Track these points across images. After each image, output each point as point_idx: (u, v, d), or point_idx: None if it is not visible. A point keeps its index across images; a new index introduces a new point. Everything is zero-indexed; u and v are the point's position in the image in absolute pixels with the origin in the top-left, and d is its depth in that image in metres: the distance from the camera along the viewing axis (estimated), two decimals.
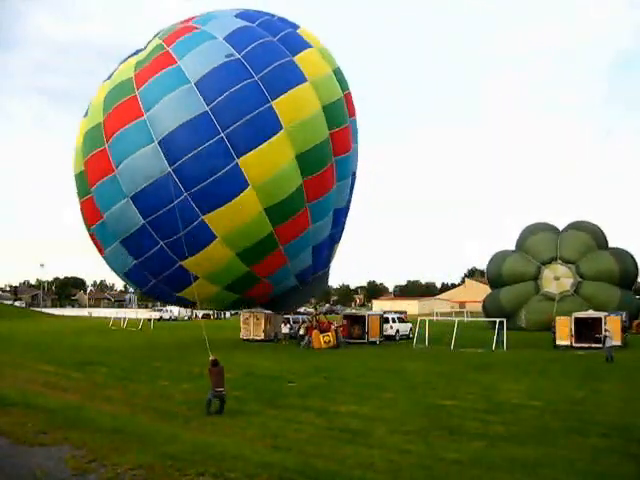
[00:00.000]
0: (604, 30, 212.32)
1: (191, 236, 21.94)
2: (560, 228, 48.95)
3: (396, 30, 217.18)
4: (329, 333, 29.75)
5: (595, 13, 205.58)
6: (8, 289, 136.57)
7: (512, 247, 49.81)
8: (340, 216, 27.32)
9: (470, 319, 44.90)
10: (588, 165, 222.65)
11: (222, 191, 21.64)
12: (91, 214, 24.51)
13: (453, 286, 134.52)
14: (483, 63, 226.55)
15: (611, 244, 46.73)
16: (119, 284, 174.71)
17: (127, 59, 25.46)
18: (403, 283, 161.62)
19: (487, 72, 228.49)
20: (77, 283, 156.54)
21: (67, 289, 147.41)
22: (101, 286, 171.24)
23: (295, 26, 25.52)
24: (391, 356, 25.93)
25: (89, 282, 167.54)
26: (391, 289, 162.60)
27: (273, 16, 25.74)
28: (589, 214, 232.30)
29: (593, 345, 28.19)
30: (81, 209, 25.32)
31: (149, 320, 52.55)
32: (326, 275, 29.52)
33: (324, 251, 27.28)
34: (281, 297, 27.53)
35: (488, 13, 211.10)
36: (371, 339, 31.97)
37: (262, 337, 33.21)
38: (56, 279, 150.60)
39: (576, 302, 42.17)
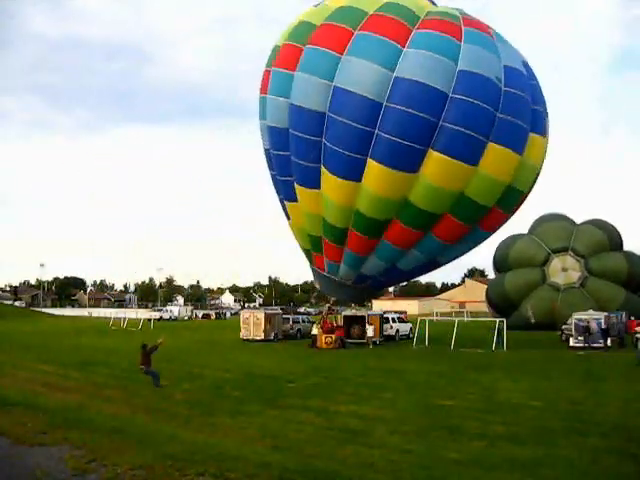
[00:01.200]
0: (599, 27, 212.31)
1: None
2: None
3: None
4: (331, 335, 29.85)
5: (591, 10, 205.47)
6: (8, 289, 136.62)
7: None
8: (428, 268, 27.94)
9: (470, 319, 44.85)
10: (590, 165, 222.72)
11: (400, 157, 22.37)
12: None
13: (453, 286, 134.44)
14: None
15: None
16: (119, 284, 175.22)
17: None
18: (403, 283, 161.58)
19: None
20: (77, 283, 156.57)
21: (67, 289, 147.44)
22: (101, 286, 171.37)
23: (538, 129, 24.66)
24: (391, 356, 25.93)
25: (89, 282, 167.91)
26: (391, 289, 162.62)
27: (537, 103, 24.93)
28: (590, 215, 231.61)
29: (593, 345, 28.23)
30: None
31: (149, 320, 52.59)
32: (364, 296, 30.81)
33: (394, 277, 28.16)
34: (329, 279, 27.95)
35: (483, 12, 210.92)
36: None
37: (262, 337, 33.22)
38: (56, 279, 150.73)
39: (580, 296, 42.20)
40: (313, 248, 27.39)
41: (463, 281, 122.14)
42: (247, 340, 33.41)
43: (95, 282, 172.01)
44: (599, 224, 46.85)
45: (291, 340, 34.56)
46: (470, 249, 27.37)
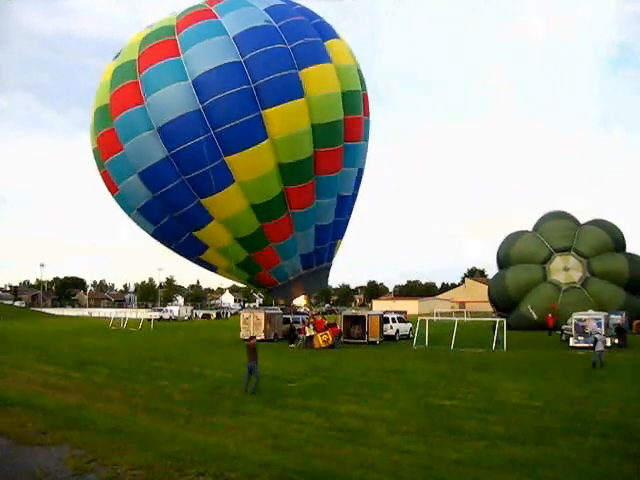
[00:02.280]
0: (597, 23, 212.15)
1: (211, 175, 23.32)
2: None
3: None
4: (327, 332, 29.91)
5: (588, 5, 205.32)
6: (8, 289, 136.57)
7: None
8: (344, 206, 27.93)
9: (470, 319, 44.85)
10: (593, 163, 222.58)
11: (244, 136, 23.01)
12: (109, 147, 24.84)
13: (453, 286, 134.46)
14: (481, 55, 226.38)
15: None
16: (119, 284, 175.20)
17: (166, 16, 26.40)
18: (403, 283, 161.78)
19: (485, 67, 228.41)
20: (77, 283, 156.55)
21: (67, 289, 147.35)
22: (101, 286, 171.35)
23: (328, 35, 26.18)
24: (391, 356, 25.92)
25: (89, 282, 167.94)
26: (391, 289, 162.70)
27: (312, 18, 26.22)
28: (592, 213, 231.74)
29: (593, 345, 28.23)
30: (98, 143, 25.60)
31: (149, 320, 52.58)
32: (327, 271, 30.00)
33: (327, 239, 27.99)
34: (285, 285, 28.38)
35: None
36: (371, 339, 31.99)
37: (262, 337, 33.19)
38: (56, 279, 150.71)
39: (581, 296, 42.22)
40: (250, 272, 27.66)
41: (463, 281, 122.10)
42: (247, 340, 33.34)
43: (95, 282, 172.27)
44: (603, 225, 46.84)
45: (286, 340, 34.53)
46: (361, 166, 27.97)
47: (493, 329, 30.05)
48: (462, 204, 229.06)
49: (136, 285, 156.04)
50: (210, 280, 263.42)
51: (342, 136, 25.21)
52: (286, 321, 36.00)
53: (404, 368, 21.05)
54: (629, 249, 46.98)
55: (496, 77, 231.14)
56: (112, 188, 26.25)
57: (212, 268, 28.58)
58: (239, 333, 34.45)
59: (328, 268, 29.85)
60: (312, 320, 31.55)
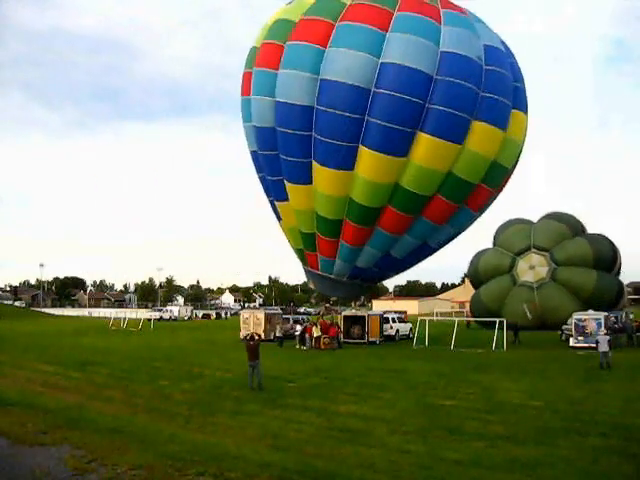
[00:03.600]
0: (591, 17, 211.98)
1: (340, 152, 23.08)
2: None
3: None
4: (327, 335, 29.99)
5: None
6: (8, 289, 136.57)
7: None
8: (420, 253, 27.82)
9: (470, 319, 44.88)
10: (588, 160, 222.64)
11: (389, 140, 22.63)
12: (246, 87, 25.25)
13: (453, 286, 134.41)
14: None
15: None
16: (119, 284, 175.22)
17: None
18: (403, 283, 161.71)
19: None
20: (77, 283, 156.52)
21: (67, 289, 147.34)
22: (101, 286, 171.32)
23: (519, 105, 25.36)
24: (391, 356, 25.92)
25: (89, 282, 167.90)
26: (391, 289, 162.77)
27: (517, 80, 25.50)
28: (593, 212, 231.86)
29: (593, 345, 28.22)
30: (242, 76, 25.91)
31: (149, 320, 52.58)
32: (362, 290, 30.62)
33: (384, 268, 28.01)
34: (322, 277, 28.04)
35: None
36: (371, 339, 31.99)
37: (262, 337, 33.18)
38: (56, 279, 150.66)
39: (554, 288, 42.88)
40: (306, 246, 27.35)
41: (463, 281, 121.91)
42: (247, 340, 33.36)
43: (95, 282, 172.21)
44: (554, 216, 47.29)
45: (291, 340, 34.53)
46: (460, 231, 27.67)
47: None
48: None
49: (136, 285, 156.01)
50: (210, 280, 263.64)
51: (464, 199, 24.89)
52: (286, 321, 36.02)
53: (404, 368, 21.05)
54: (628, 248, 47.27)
55: None
56: (245, 90, 25.90)
57: (278, 217, 28.20)
58: (239, 333, 34.46)
59: (366, 288, 29.89)
60: (320, 320, 31.77)
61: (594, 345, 23.62)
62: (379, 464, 8.95)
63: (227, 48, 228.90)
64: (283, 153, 24.34)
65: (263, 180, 27.17)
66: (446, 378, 18.48)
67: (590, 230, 46.52)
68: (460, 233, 27.89)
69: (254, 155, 26.63)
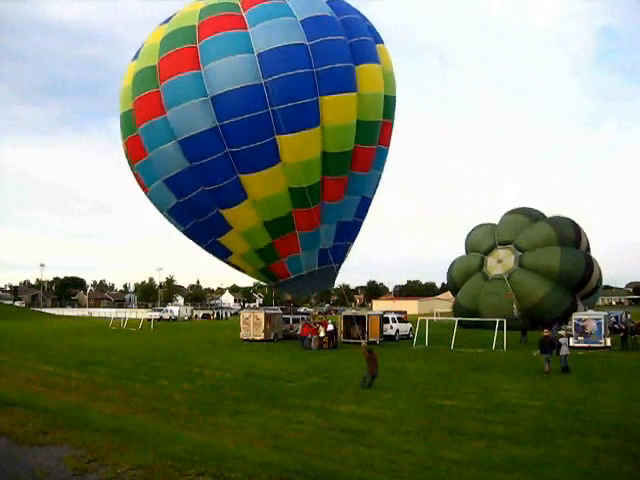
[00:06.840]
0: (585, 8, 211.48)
1: (227, 190, 23.93)
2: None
3: None
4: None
5: None
6: (8, 289, 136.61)
7: None
8: (364, 207, 28.07)
9: (470, 319, 44.84)
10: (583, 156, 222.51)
11: (258, 159, 23.38)
12: (136, 152, 25.24)
13: None
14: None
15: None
16: (119, 284, 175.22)
17: (190, 4, 25.90)
18: (403, 283, 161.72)
19: (480, 64, 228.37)
20: (77, 283, 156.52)
21: (67, 289, 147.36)
22: (101, 286, 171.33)
23: (378, 39, 26.39)
24: (391, 356, 25.92)
25: (89, 282, 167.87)
26: (391, 289, 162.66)
27: (365, 20, 26.34)
28: (591, 213, 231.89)
29: (593, 345, 28.29)
30: (125, 146, 26.20)
31: (149, 320, 52.57)
32: (336, 271, 29.97)
33: (344, 237, 28.14)
34: (296, 279, 28.14)
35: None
36: (371, 339, 31.94)
37: (262, 337, 33.22)
38: (56, 279, 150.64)
39: (522, 273, 44.08)
40: (268, 261, 27.19)
41: None
42: (247, 340, 33.40)
43: (95, 282, 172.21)
44: (556, 221, 47.78)
45: (291, 340, 34.54)
46: (382, 171, 28.29)
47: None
48: (462, 204, 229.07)
49: (136, 285, 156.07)
50: (210, 280, 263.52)
51: (349, 166, 25.25)
52: (286, 321, 36.02)
53: (404, 368, 21.06)
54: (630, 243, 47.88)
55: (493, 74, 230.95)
56: (144, 188, 26.44)
57: (226, 254, 27.97)
58: (239, 333, 34.48)
59: (338, 269, 29.85)
60: (321, 320, 31.86)
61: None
62: (379, 464, 8.95)
63: None
64: (208, 184, 24.01)
65: (194, 228, 26.53)
66: (446, 378, 18.49)
67: (588, 230, 47.24)
68: (382, 173, 28.50)
69: (175, 211, 25.96)
